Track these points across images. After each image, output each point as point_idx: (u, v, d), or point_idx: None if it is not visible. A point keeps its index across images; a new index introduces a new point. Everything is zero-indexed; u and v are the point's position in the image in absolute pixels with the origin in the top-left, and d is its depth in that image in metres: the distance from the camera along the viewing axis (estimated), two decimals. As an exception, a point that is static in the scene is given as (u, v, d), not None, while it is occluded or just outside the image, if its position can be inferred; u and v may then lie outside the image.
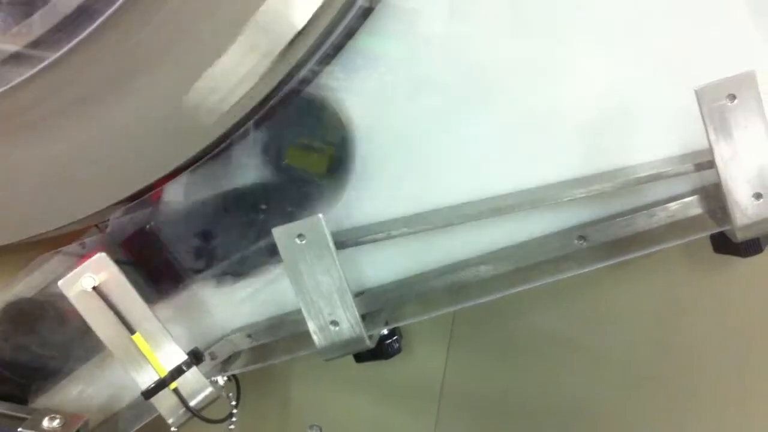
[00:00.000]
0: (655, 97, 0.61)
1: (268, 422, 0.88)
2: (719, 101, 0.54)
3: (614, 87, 0.61)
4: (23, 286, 0.70)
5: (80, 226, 0.68)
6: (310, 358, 0.66)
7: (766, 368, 0.74)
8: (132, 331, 0.62)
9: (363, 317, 0.63)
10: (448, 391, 0.82)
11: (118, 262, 0.62)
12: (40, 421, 0.68)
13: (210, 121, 0.60)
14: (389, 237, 0.63)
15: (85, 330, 0.63)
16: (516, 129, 0.63)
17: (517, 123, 0.63)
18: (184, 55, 0.58)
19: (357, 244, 0.64)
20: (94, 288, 0.61)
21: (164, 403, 0.65)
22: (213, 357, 0.71)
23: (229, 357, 0.72)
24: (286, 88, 0.62)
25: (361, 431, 0.86)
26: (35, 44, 0.58)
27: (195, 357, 0.65)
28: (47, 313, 0.69)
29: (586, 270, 0.62)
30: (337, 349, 0.64)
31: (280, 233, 0.61)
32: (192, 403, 0.65)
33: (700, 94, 0.54)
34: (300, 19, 0.57)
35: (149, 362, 0.63)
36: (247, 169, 0.66)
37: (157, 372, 0.63)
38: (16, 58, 0.59)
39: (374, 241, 0.63)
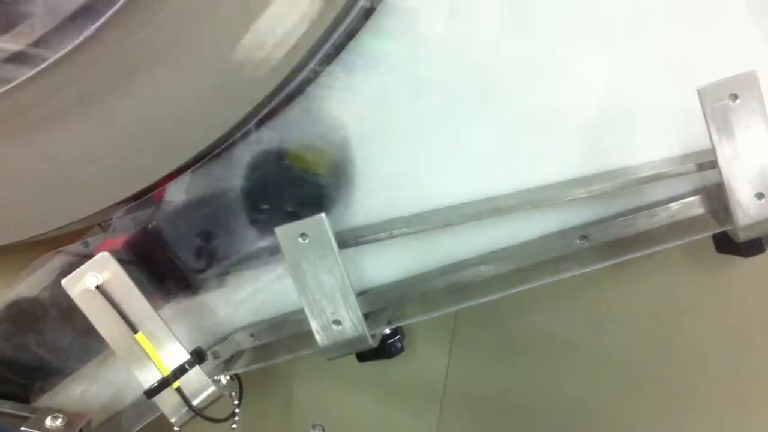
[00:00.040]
0: (655, 97, 0.60)
1: (270, 421, 0.88)
2: (721, 101, 0.54)
3: (614, 87, 0.61)
4: (25, 285, 0.70)
5: (80, 225, 0.68)
6: (312, 357, 0.66)
7: (767, 368, 0.74)
8: (135, 330, 0.62)
9: (365, 316, 0.64)
10: (450, 390, 0.82)
11: (121, 261, 0.63)
12: (43, 420, 0.68)
13: (260, 74, 0.59)
14: (391, 237, 0.63)
15: (88, 329, 0.63)
16: (516, 129, 0.63)
17: (517, 123, 0.63)
18: (184, 55, 0.59)
19: (358, 243, 0.64)
20: (97, 287, 0.61)
21: (167, 402, 0.65)
22: (216, 356, 0.71)
23: (232, 356, 0.72)
24: (288, 89, 0.62)
25: (363, 430, 0.86)
26: (36, 44, 0.59)
27: (198, 356, 0.65)
28: (49, 313, 0.70)
29: (587, 270, 0.62)
30: (339, 349, 0.64)
31: (282, 233, 0.61)
32: (195, 402, 0.65)
33: (702, 94, 0.54)
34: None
35: (152, 361, 0.63)
36: (248, 169, 0.66)
37: (159, 371, 0.63)
38: (17, 58, 0.59)
39: (376, 240, 0.63)
